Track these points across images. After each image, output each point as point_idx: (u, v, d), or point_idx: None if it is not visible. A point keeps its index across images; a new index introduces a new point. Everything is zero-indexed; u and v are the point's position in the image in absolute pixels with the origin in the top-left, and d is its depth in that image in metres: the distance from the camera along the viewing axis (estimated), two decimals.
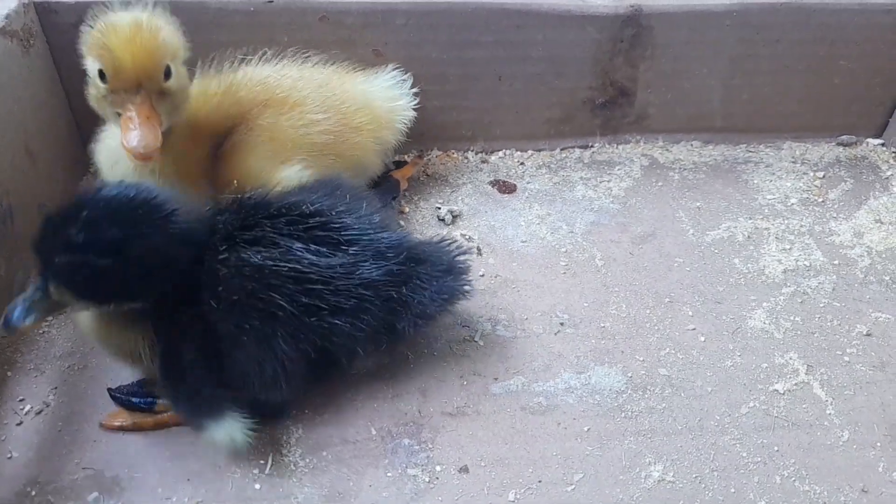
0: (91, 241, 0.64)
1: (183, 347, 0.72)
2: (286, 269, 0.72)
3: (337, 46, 1.05)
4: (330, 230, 0.76)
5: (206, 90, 0.91)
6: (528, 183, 1.12)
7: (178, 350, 0.72)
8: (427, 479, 0.76)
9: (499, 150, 1.18)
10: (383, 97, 1.02)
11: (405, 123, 1.04)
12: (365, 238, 0.78)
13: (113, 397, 0.81)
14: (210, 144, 0.88)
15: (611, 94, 1.14)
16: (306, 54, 0.99)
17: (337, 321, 0.74)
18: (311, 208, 0.77)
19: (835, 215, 1.08)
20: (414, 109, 1.11)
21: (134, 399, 0.80)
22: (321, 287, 0.73)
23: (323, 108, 0.93)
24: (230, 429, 0.73)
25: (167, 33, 0.80)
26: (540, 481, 0.76)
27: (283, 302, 0.71)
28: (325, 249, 0.75)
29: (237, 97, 0.91)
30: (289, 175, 0.89)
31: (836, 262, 1.01)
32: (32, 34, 0.98)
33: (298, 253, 0.73)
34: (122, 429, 0.79)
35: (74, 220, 0.65)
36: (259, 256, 0.72)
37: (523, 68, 1.11)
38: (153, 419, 0.80)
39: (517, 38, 1.08)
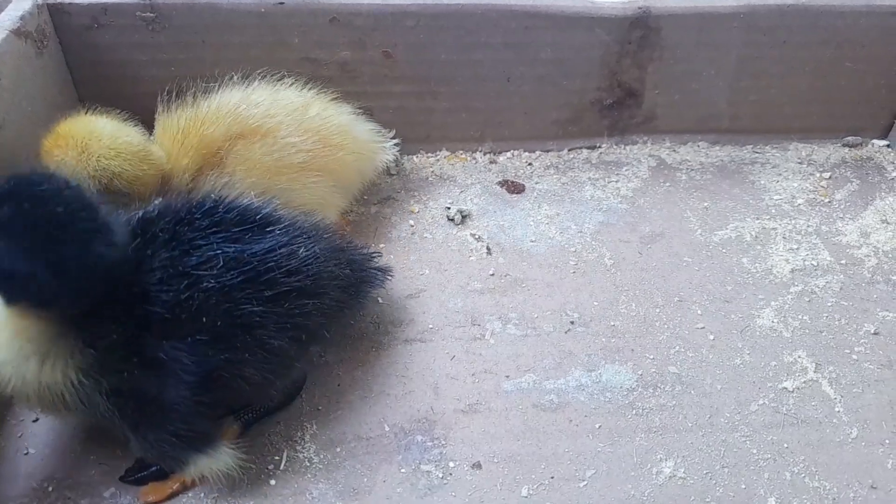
0: None
1: (150, 385, 0.66)
2: (236, 272, 0.69)
3: (347, 48, 1.06)
4: (247, 216, 0.74)
5: (170, 130, 0.88)
6: (536, 183, 1.13)
7: (148, 390, 0.66)
8: (440, 475, 0.77)
9: (507, 151, 1.19)
10: (365, 131, 1.01)
11: (382, 164, 1.04)
12: (283, 219, 0.77)
13: (130, 482, 0.75)
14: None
15: (618, 96, 1.15)
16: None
17: (305, 301, 0.73)
18: (214, 203, 0.74)
19: (841, 215, 1.09)
20: (422, 110, 1.13)
21: (150, 470, 0.75)
22: (274, 274, 0.71)
23: (299, 130, 0.92)
24: (224, 459, 0.72)
25: (77, 151, 0.79)
26: (552, 477, 0.77)
27: (253, 307, 0.69)
28: (253, 236, 0.73)
29: (203, 135, 0.88)
30: None
31: (843, 261, 1.01)
32: (46, 35, 0.99)
33: (230, 250, 0.70)
34: (172, 495, 0.74)
35: None
36: (204, 269, 0.68)
37: (532, 69, 1.11)
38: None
39: (526, 39, 1.08)
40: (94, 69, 1.03)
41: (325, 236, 0.81)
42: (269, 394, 0.78)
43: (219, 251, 0.69)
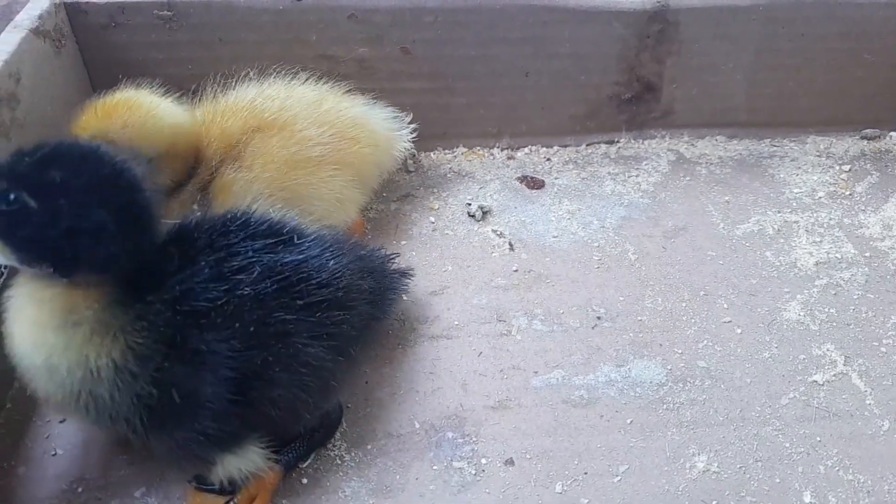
0: (25, 176, 0.59)
1: (188, 379, 0.65)
2: (273, 282, 0.68)
3: (365, 45, 1.06)
4: (276, 229, 0.74)
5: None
6: (555, 179, 1.12)
7: (185, 384, 0.65)
8: (473, 472, 0.76)
9: (524, 147, 1.18)
10: (381, 122, 1.00)
11: (400, 154, 1.03)
12: (309, 232, 0.76)
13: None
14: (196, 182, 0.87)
15: (637, 90, 1.15)
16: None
17: (337, 313, 0.72)
18: (246, 216, 0.73)
19: (863, 208, 1.08)
20: (440, 106, 1.12)
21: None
22: (306, 284, 0.71)
23: (315, 123, 0.92)
24: (253, 459, 0.70)
25: (109, 119, 0.80)
26: (586, 473, 0.76)
27: (286, 315, 0.68)
28: (285, 248, 0.72)
29: (222, 128, 0.89)
30: None
31: (867, 254, 1.01)
32: (64, 34, 0.98)
33: (266, 259, 0.70)
34: None
35: (29, 155, 0.60)
36: (244, 277, 0.67)
37: (549, 65, 1.11)
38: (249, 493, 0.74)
39: (544, 34, 1.08)
40: (112, 68, 1.02)
41: (349, 248, 0.80)
42: (304, 417, 0.73)
43: (255, 259, 0.69)
